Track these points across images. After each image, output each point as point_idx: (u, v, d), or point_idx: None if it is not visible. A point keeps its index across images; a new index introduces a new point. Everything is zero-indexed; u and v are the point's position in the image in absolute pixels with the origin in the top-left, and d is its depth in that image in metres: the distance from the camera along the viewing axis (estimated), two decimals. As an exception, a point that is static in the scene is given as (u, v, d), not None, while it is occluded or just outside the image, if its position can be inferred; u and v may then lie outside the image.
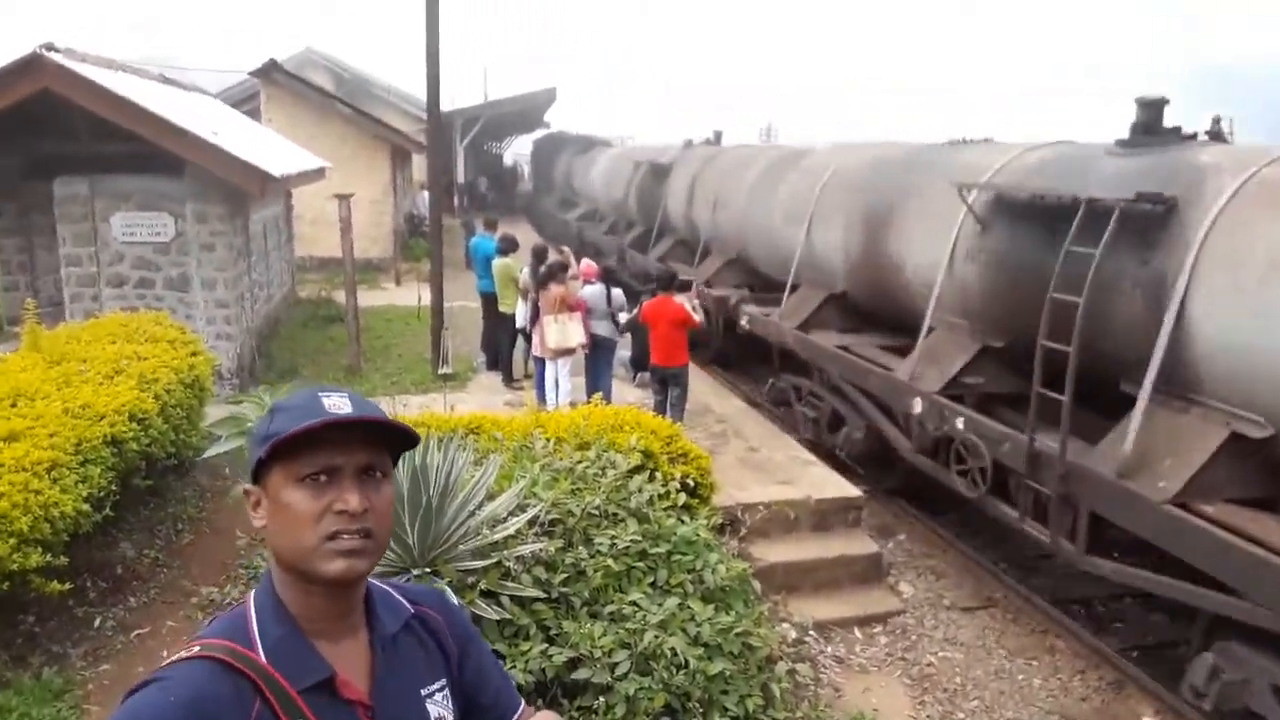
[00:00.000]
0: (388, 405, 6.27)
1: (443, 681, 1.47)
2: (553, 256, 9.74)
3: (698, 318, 8.18)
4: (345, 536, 1.30)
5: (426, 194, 23.62)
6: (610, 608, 4.41)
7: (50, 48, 8.56)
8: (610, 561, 4.54)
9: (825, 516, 7.02)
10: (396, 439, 1.40)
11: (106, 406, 5.15)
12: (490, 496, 4.64)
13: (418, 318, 13.80)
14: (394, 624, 1.44)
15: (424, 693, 1.43)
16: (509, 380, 10.22)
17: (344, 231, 10.25)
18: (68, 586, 4.37)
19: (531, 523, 4.56)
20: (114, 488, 5.00)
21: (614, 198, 18.86)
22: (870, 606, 6.52)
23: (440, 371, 10.12)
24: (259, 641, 1.30)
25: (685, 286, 8.59)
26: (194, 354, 6.81)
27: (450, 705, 1.46)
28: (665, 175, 15.34)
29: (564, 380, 8.75)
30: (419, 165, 25.82)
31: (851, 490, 7.22)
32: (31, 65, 8.30)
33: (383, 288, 17.61)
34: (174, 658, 1.29)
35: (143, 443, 5.36)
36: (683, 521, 5.13)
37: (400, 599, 1.48)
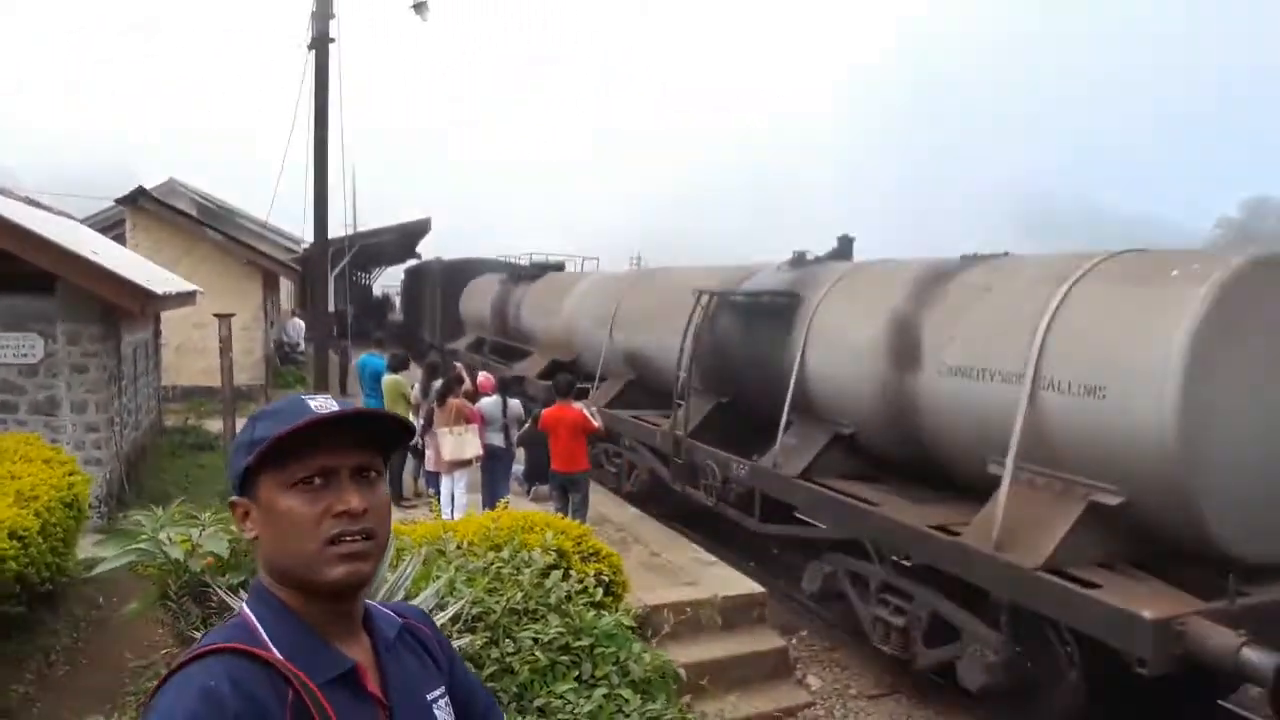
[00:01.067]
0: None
1: (442, 689, 1.45)
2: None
3: (596, 423, 8.33)
4: (348, 539, 1.26)
5: (297, 320, 23.34)
6: (539, 701, 4.34)
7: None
8: (537, 654, 4.50)
9: (731, 614, 7.11)
10: (388, 438, 1.37)
11: (-17, 523, 4.81)
12: (409, 596, 4.55)
13: (295, 443, 13.35)
14: (390, 632, 1.42)
15: (429, 698, 1.41)
16: (399, 499, 9.97)
17: (223, 351, 9.99)
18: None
19: (455, 619, 4.48)
20: (-11, 611, 4.62)
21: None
22: (781, 700, 6.58)
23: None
24: (271, 642, 1.25)
25: (583, 394, 8.76)
26: (71, 474, 6.44)
27: (451, 712, 1.45)
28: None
29: (459, 494, 8.66)
30: (286, 293, 25.41)
31: (755, 587, 7.36)
32: (-108, 181, 7.93)
33: (252, 416, 16.99)
34: (186, 657, 1.23)
35: (22, 562, 5.00)
36: (602, 615, 5.13)
37: (389, 612, 1.47)
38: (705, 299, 9.68)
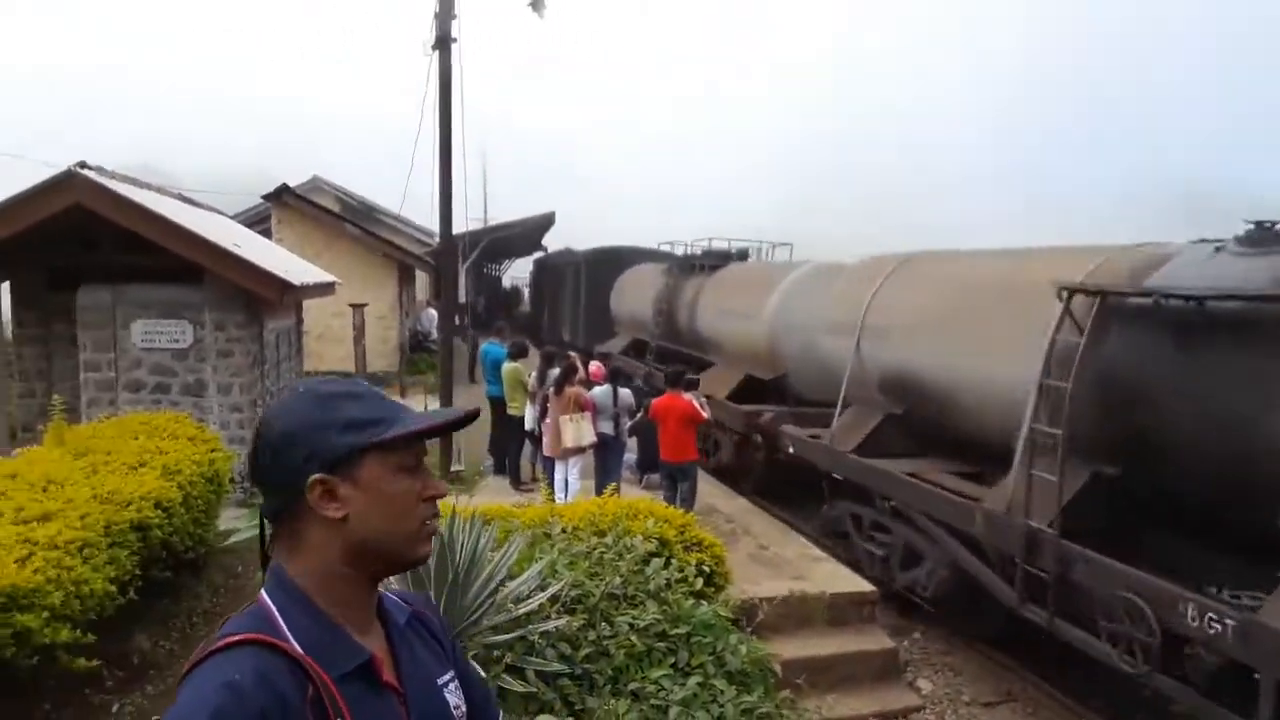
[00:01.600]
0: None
1: (451, 673, 1.48)
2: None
3: (706, 414, 8.34)
4: (432, 520, 1.39)
5: (431, 311, 24.27)
6: (633, 685, 4.40)
7: (83, 165, 8.99)
8: (633, 639, 4.56)
9: (840, 611, 6.99)
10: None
11: (133, 493, 5.24)
12: (512, 575, 4.69)
13: (423, 427, 13.93)
14: (401, 616, 1.45)
15: (440, 682, 1.44)
16: (517, 482, 10.27)
17: (356, 339, 10.52)
18: (94, 664, 4.37)
19: (553, 600, 4.59)
20: (138, 573, 5.04)
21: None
22: (889, 703, 6.44)
23: (452, 468, 10.21)
24: (290, 634, 1.26)
25: (693, 384, 8.78)
26: (213, 450, 6.91)
27: (461, 695, 1.47)
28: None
29: (574, 480, 8.84)
30: (422, 284, 26.45)
31: (865, 585, 7.21)
32: (66, 183, 8.70)
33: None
34: (211, 648, 1.23)
35: (166, 530, 5.43)
36: (700, 605, 5.15)
37: (397, 600, 1.49)
38: (1087, 303, 5.92)
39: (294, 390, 1.40)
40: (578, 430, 8.64)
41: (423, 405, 14.56)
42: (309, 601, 1.29)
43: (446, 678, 1.46)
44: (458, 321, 26.90)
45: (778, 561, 7.64)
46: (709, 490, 9.84)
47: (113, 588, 4.57)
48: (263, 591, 1.32)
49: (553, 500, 7.53)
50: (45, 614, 3.98)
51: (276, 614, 1.27)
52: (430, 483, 1.37)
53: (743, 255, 15.77)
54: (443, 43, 9.62)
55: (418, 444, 1.37)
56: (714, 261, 15.22)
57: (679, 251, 17.24)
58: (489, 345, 11.60)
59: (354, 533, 1.31)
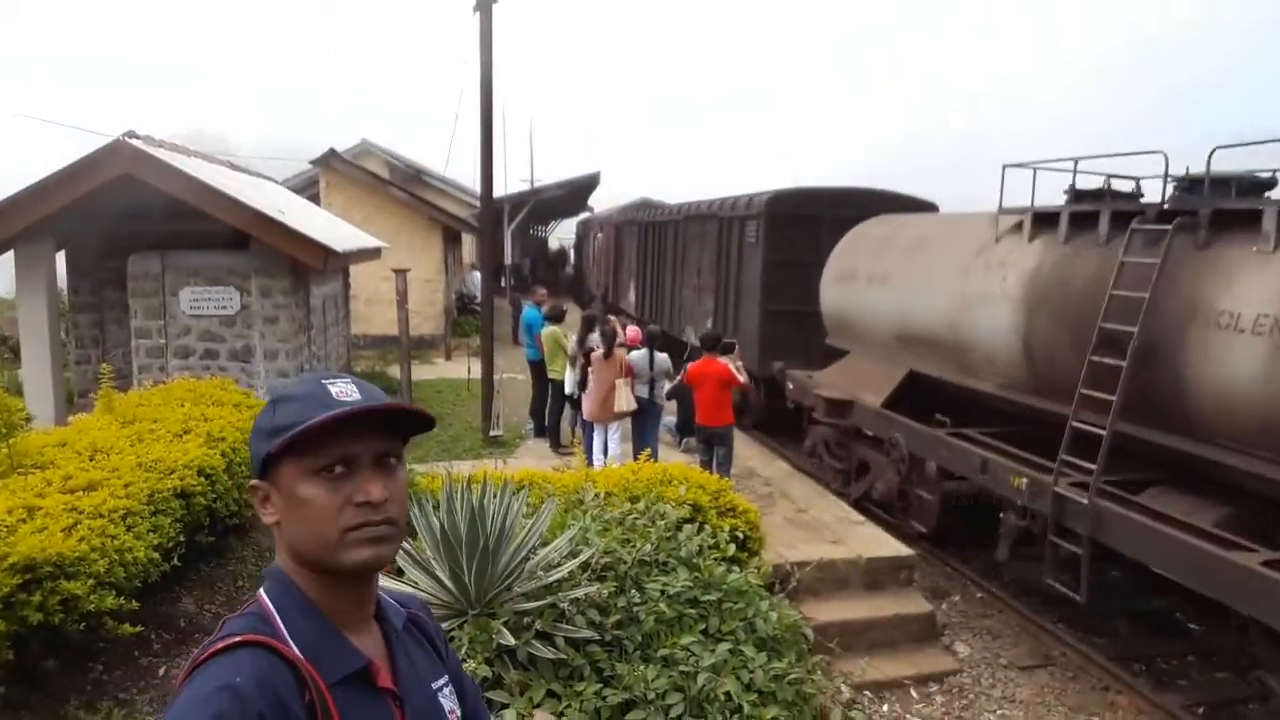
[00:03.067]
0: (441, 470, 6.46)
1: (445, 678, 1.47)
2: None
3: (742, 378, 8.29)
4: (369, 527, 1.26)
5: (477, 274, 24.43)
6: (663, 651, 4.43)
7: (131, 135, 9.15)
8: (663, 606, 4.58)
9: (877, 576, 6.97)
10: (409, 424, 1.36)
11: (177, 462, 5.37)
12: (544, 542, 4.74)
13: (467, 389, 14.09)
14: (398, 620, 1.43)
15: (434, 687, 1.42)
16: (556, 446, 10.35)
17: (400, 304, 10.61)
18: (138, 630, 4.52)
19: (584, 567, 4.63)
20: (181, 539, 5.18)
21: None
22: (925, 666, 6.42)
23: (491, 433, 10.30)
24: (288, 636, 1.25)
25: (729, 348, 8.72)
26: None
27: (455, 700, 1.46)
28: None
29: (614, 444, 8.87)
30: (468, 247, 26.60)
31: (903, 550, 7.17)
32: (114, 152, 8.87)
33: (433, 363, 18.03)
34: (212, 648, 1.22)
35: (209, 497, 5.56)
36: (732, 571, 5.16)
37: (394, 603, 1.46)
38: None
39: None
40: (628, 395, 8.69)
41: (466, 369, 14.75)
42: (306, 602, 1.28)
43: (441, 682, 1.45)
44: (501, 283, 27.29)
45: (815, 525, 7.61)
46: (748, 453, 9.83)
47: (156, 555, 4.70)
48: (261, 591, 1.32)
49: (589, 465, 7.58)
50: (91, 581, 4.11)
51: (275, 615, 1.27)
52: (360, 486, 1.26)
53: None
54: (484, 3, 9.53)
55: (331, 444, 1.25)
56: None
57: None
58: (529, 310, 11.63)
59: (286, 538, 1.30)
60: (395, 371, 13.02)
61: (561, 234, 49.40)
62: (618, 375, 8.67)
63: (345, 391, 1.28)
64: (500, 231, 24.84)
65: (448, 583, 4.34)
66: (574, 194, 29.12)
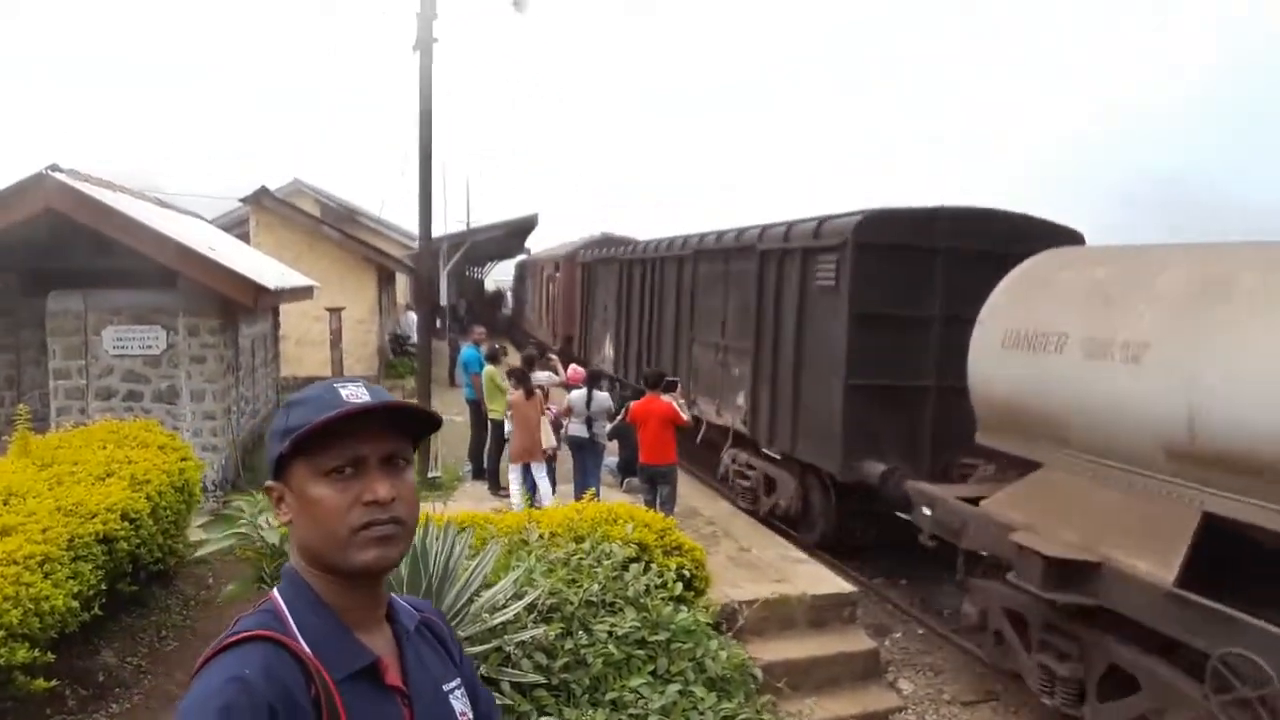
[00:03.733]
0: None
1: (458, 679, 1.48)
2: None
3: (685, 416, 8.28)
4: (376, 526, 1.29)
5: (412, 314, 24.13)
6: (611, 695, 4.34)
7: (54, 168, 8.84)
8: (611, 648, 4.49)
9: (821, 613, 6.94)
10: (416, 426, 1.40)
11: (99, 505, 5.12)
12: (488, 584, 4.62)
13: (402, 432, 13.83)
14: (410, 622, 1.45)
15: (446, 688, 1.44)
16: (495, 488, 10.17)
17: (334, 344, 10.40)
18: (52, 684, 4.25)
19: (530, 609, 4.52)
20: (103, 587, 4.92)
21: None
22: (870, 704, 6.39)
23: (429, 475, 10.11)
24: (298, 633, 1.28)
25: (672, 386, 8.72)
26: (183, 460, 6.79)
27: (466, 702, 1.48)
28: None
29: (545, 482, 8.77)
30: (402, 288, 26.29)
31: (846, 586, 7.17)
32: (35, 185, 8.54)
33: (366, 406, 17.64)
34: (224, 643, 1.26)
35: (133, 543, 5.31)
36: (680, 610, 5.09)
37: (407, 606, 1.49)
38: None
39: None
40: (548, 432, 8.69)
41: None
42: (317, 600, 1.32)
43: (453, 684, 1.47)
44: (438, 324, 27.02)
45: (759, 564, 7.58)
46: (690, 492, 9.79)
47: (75, 604, 4.45)
48: (274, 589, 1.36)
49: (531, 506, 7.46)
50: (1, 633, 3.87)
51: (286, 612, 1.31)
52: (369, 485, 1.30)
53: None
54: (424, 43, 9.52)
55: (339, 445, 1.29)
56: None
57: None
58: (468, 350, 11.49)
59: (297, 538, 1.35)
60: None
61: (498, 276, 49.28)
62: (539, 413, 8.65)
63: (355, 394, 1.33)
64: (437, 270, 24.68)
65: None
66: (511, 235, 29.08)
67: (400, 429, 1.37)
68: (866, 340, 8.05)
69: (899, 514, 7.66)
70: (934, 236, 8.20)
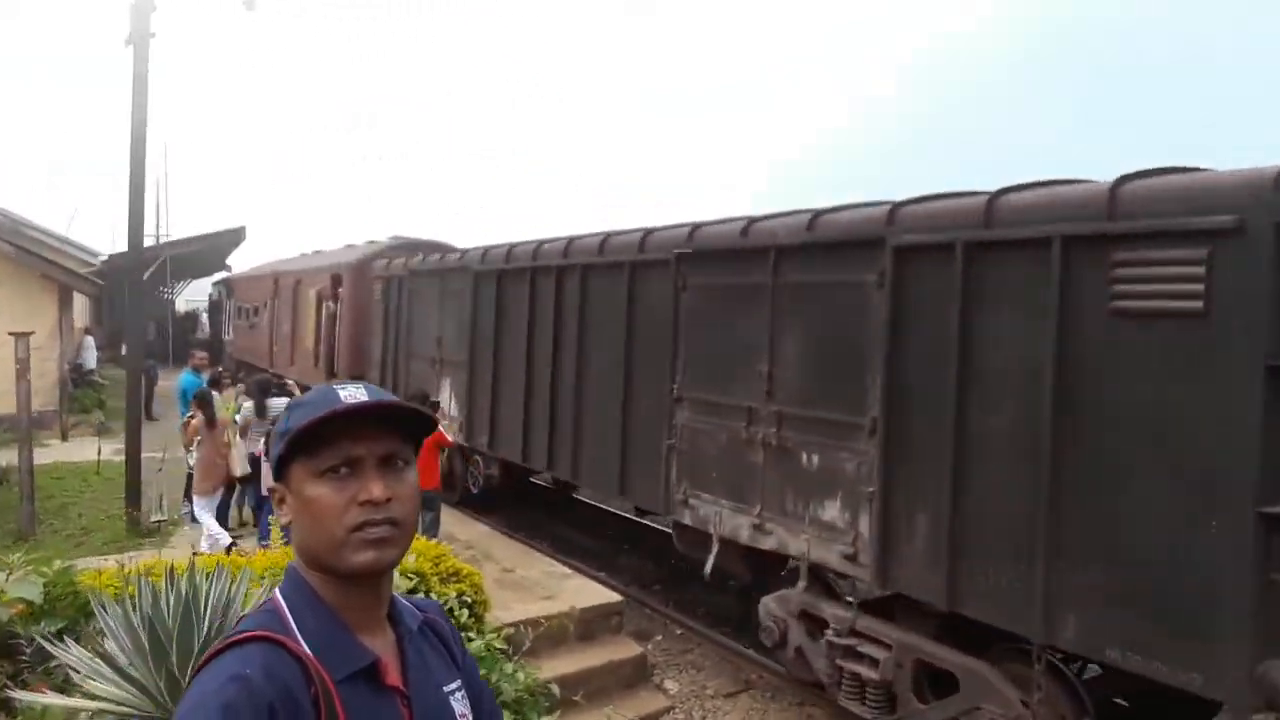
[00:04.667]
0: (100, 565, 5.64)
1: (459, 681, 1.50)
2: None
3: (451, 437, 8.13)
4: (372, 527, 1.31)
5: (90, 339, 21.46)
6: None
7: None
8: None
9: (590, 626, 7.11)
10: (415, 426, 1.42)
11: None
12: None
13: (97, 473, 12.33)
14: (413, 623, 1.47)
15: (446, 690, 1.45)
16: (225, 528, 9.34)
17: (20, 375, 9.05)
18: None
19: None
20: None
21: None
22: (641, 708, 6.63)
23: (154, 519, 9.13)
24: (298, 633, 1.30)
25: (435, 407, 8.53)
26: None
27: (467, 705, 1.49)
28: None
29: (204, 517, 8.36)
30: (80, 310, 23.34)
31: (613, 596, 7.42)
32: None
33: (45, 444, 15.44)
34: (225, 643, 1.28)
35: None
36: (470, 638, 5.02)
37: (409, 605, 1.51)
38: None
39: None
40: (240, 459, 8.38)
41: (96, 450, 12.86)
42: (318, 601, 1.33)
43: (454, 685, 1.48)
44: (123, 350, 24.13)
45: (525, 584, 7.62)
46: (444, 520, 9.60)
47: None
48: (276, 589, 1.38)
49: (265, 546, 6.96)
50: None
51: (287, 612, 1.32)
52: (364, 485, 1.31)
53: None
54: (139, 37, 8.55)
55: (336, 446, 1.31)
56: None
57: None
58: (187, 375, 10.50)
59: (297, 538, 1.37)
60: (9, 456, 10.98)
61: (190, 295, 45.21)
62: (224, 444, 8.32)
63: (354, 395, 1.35)
64: (140, 288, 22.13)
65: (157, 690, 3.76)
66: (213, 250, 26.86)
67: (400, 429, 1.38)
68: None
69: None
70: None
